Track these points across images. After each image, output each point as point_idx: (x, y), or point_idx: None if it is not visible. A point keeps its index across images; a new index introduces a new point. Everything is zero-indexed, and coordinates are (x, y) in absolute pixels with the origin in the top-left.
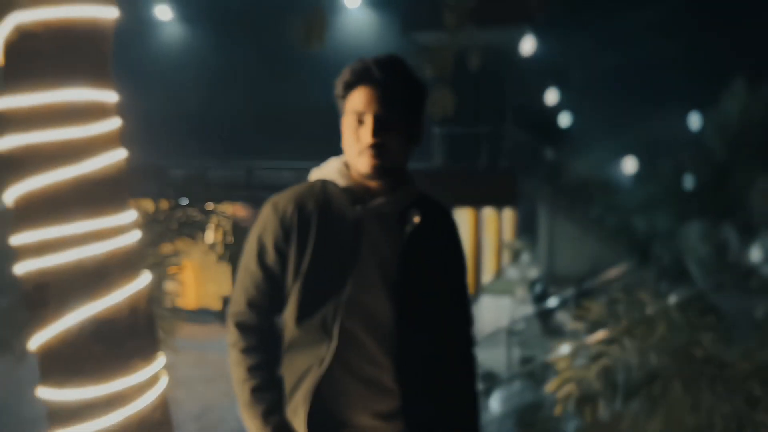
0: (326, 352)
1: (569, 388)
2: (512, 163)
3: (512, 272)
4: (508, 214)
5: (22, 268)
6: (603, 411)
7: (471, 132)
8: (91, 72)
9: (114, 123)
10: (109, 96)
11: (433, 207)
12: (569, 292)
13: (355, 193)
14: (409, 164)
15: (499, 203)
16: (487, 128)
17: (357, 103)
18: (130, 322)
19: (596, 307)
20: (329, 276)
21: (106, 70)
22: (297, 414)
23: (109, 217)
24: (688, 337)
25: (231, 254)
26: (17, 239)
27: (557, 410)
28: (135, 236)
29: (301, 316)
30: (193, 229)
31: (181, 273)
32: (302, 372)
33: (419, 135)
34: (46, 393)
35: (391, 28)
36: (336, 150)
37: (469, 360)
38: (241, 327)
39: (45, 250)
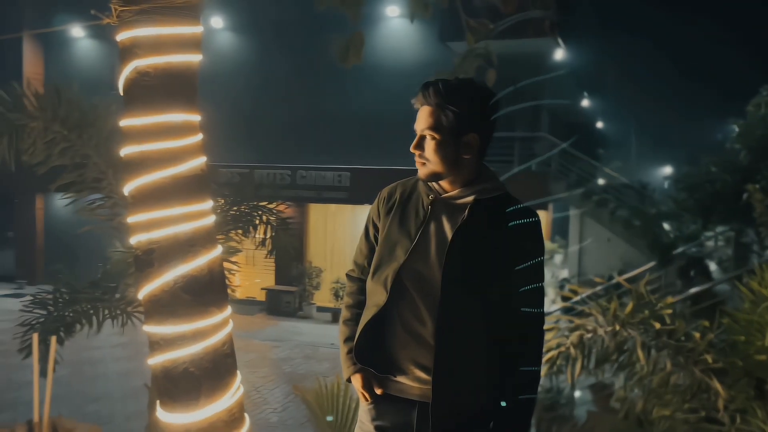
0: (381, 301)
1: (551, 354)
2: (545, 168)
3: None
4: (542, 217)
5: (135, 240)
6: (579, 372)
7: (505, 137)
8: (184, 100)
9: (198, 137)
10: (196, 117)
11: (504, 205)
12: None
13: (433, 187)
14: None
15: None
16: (521, 133)
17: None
18: (208, 279)
19: (580, 290)
20: (396, 246)
21: (194, 98)
22: (356, 343)
23: (195, 204)
24: (651, 312)
25: (276, 249)
26: (132, 219)
27: (543, 372)
28: (212, 219)
29: (373, 274)
30: (243, 225)
31: (233, 265)
32: (367, 314)
33: (470, 146)
34: (150, 328)
35: (430, 37)
36: (372, 153)
37: (510, 341)
38: (349, 277)
39: (152, 227)
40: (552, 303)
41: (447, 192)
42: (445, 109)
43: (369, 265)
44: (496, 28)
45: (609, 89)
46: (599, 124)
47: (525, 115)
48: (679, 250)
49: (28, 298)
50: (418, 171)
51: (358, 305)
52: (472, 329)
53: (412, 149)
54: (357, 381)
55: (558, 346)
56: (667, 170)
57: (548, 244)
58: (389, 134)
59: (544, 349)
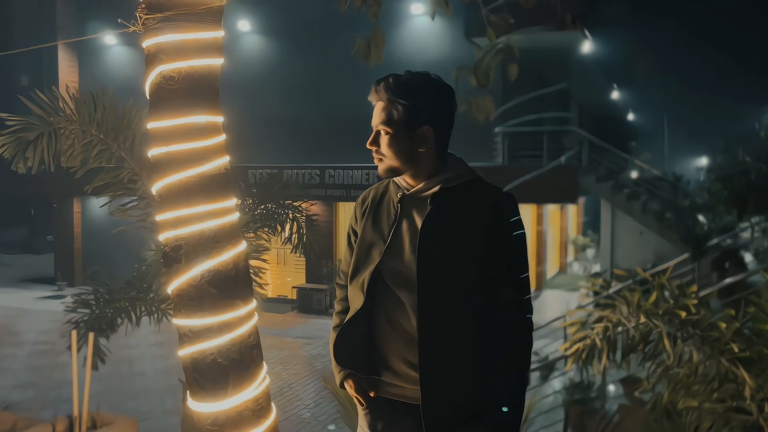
0: (359, 305)
1: (577, 346)
2: (573, 161)
3: (577, 267)
4: (574, 211)
5: (163, 237)
6: (607, 364)
7: (533, 131)
8: (207, 102)
9: (221, 137)
10: (219, 118)
11: (473, 190)
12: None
13: (400, 184)
14: (469, 162)
15: (560, 200)
16: (550, 127)
17: None
18: (233, 273)
19: (600, 282)
20: (371, 248)
21: (217, 99)
22: (340, 347)
23: (220, 202)
24: (675, 302)
25: (305, 247)
26: (160, 217)
27: (568, 366)
28: (236, 216)
29: (351, 278)
30: (271, 223)
31: (263, 263)
32: (348, 318)
33: (425, 138)
34: (179, 321)
35: (454, 34)
36: None
37: (495, 330)
38: (337, 285)
39: (179, 224)
40: (585, 296)
41: (414, 187)
42: (395, 103)
43: None
44: (516, 22)
45: (640, 80)
46: (630, 116)
47: (553, 109)
48: (714, 241)
49: (69, 299)
50: (378, 167)
51: (347, 311)
52: (456, 320)
53: (368, 145)
54: (349, 386)
55: (584, 338)
56: (703, 161)
57: (580, 238)
58: None
59: (569, 344)
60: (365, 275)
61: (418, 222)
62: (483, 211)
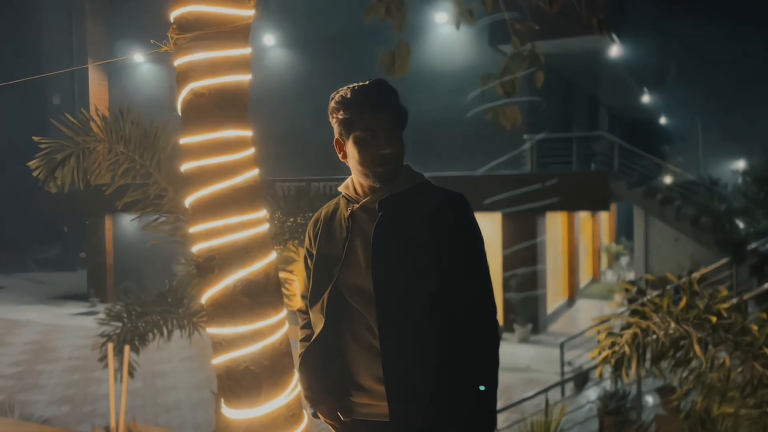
0: (320, 327)
1: (606, 353)
2: (604, 167)
3: (611, 276)
4: (607, 218)
5: (196, 248)
6: (635, 371)
7: (562, 138)
8: (237, 117)
9: (251, 151)
10: (248, 132)
11: (422, 194)
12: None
13: (351, 196)
14: (493, 170)
15: (591, 207)
16: (579, 133)
17: None
18: (264, 283)
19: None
20: (327, 268)
21: (246, 114)
22: (306, 376)
23: (250, 213)
24: (706, 307)
25: None
26: (193, 229)
27: (597, 373)
28: (266, 226)
29: (311, 301)
30: (300, 235)
31: (290, 275)
32: (311, 344)
33: (344, 150)
34: (212, 330)
35: (480, 42)
36: (429, 160)
37: (459, 335)
38: (299, 311)
39: (211, 236)
40: (620, 305)
41: (363, 199)
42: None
43: None
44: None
45: (672, 81)
46: (662, 119)
47: (582, 114)
48: (752, 246)
49: (101, 315)
50: None
51: (311, 338)
52: (418, 328)
53: None
54: (321, 412)
55: (612, 345)
56: (739, 164)
57: (613, 246)
58: (444, 141)
59: (598, 351)
60: (324, 295)
61: (368, 233)
62: (434, 212)
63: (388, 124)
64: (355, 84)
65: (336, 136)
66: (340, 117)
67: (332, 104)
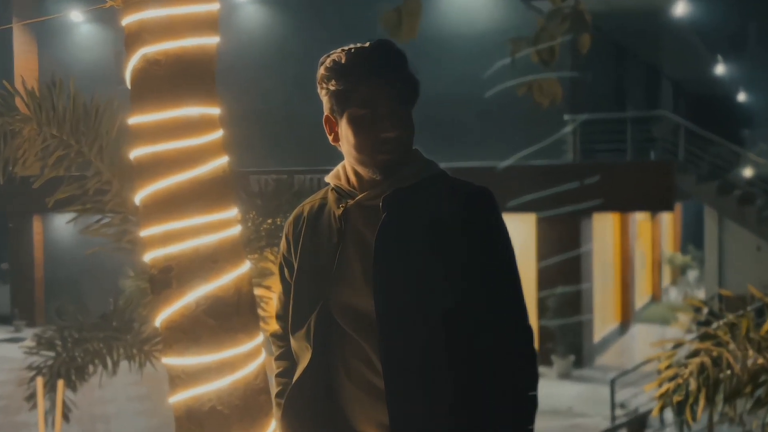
0: (307, 359)
1: (666, 386)
2: (667, 156)
3: (675, 294)
4: (670, 221)
5: (149, 257)
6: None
7: (613, 119)
8: (201, 91)
9: (219, 133)
10: (215, 110)
11: (436, 186)
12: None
13: (344, 189)
14: (525, 160)
15: (651, 207)
16: (634, 113)
17: None
18: (235, 301)
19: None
20: (313, 283)
21: (212, 87)
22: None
23: (218, 212)
24: None
25: None
26: (145, 232)
27: (655, 411)
28: (238, 229)
29: (293, 326)
30: (279, 241)
31: (267, 292)
32: (296, 379)
33: (336, 132)
34: (170, 360)
35: None
36: (441, 148)
37: (486, 370)
38: (273, 336)
39: (168, 241)
40: (686, 333)
41: (360, 194)
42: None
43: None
44: None
45: (753, 49)
46: (741, 96)
47: (638, 89)
48: None
49: (29, 342)
50: None
51: (291, 371)
52: (434, 362)
53: None
54: None
55: (675, 377)
56: None
57: (678, 257)
58: (462, 123)
59: (657, 383)
60: (311, 319)
61: (369, 237)
62: (452, 212)
63: (393, 99)
64: (352, 45)
65: (326, 112)
66: (332, 88)
67: (322, 71)
